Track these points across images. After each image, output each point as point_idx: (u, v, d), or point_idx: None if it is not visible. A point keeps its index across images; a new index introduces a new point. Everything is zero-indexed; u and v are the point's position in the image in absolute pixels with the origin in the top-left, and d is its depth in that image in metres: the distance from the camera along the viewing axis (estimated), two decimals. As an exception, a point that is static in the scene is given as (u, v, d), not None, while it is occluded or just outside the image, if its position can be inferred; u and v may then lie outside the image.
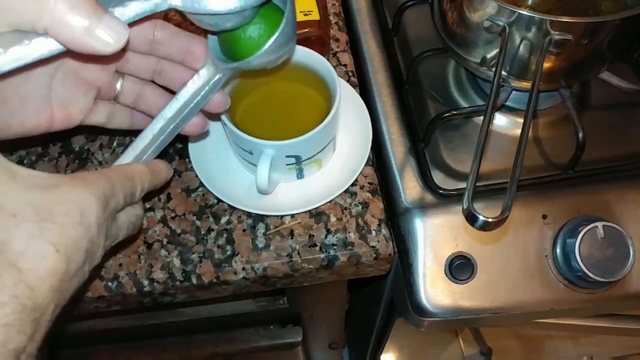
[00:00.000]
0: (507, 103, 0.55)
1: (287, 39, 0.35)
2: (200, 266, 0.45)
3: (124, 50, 0.29)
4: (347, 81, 0.54)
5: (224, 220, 0.47)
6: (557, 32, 0.44)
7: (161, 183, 0.37)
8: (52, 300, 0.26)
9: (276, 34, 0.33)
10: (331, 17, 0.59)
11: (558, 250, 0.49)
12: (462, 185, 0.51)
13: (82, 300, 0.45)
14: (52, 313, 0.26)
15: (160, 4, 0.31)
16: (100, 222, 0.29)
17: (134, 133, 0.39)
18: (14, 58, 0.27)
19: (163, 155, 0.39)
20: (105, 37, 0.27)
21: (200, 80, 0.37)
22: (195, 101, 0.37)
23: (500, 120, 0.56)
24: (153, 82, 0.39)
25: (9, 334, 0.24)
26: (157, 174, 0.36)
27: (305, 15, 0.51)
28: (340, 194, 0.48)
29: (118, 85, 0.38)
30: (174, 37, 0.36)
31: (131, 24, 0.30)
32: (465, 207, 0.37)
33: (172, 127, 0.37)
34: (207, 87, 0.37)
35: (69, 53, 0.29)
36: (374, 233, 0.47)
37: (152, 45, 0.36)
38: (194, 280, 0.45)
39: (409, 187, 0.52)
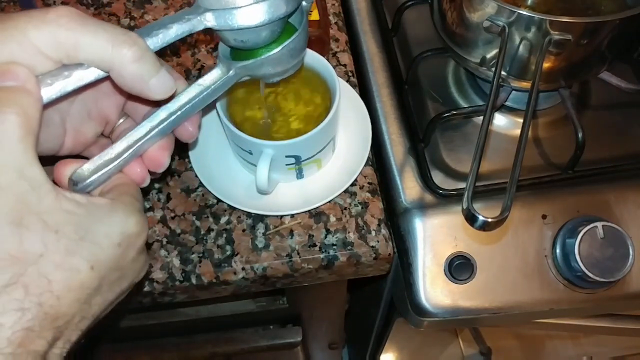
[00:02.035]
0: (507, 103, 0.55)
1: (298, 50, 0.36)
2: (200, 266, 0.45)
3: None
4: (347, 81, 0.54)
5: (223, 220, 0.47)
6: (556, 32, 0.44)
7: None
8: (77, 312, 0.28)
9: (288, 41, 0.35)
10: (331, 17, 0.59)
11: (558, 250, 0.49)
12: (462, 185, 0.51)
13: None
14: (77, 323, 0.28)
15: (197, 24, 0.33)
16: (138, 244, 0.31)
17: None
18: (59, 89, 0.30)
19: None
20: (157, 88, 0.31)
21: (210, 78, 0.36)
22: (204, 94, 0.36)
23: (500, 120, 0.56)
24: None
25: (29, 337, 0.25)
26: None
27: (304, 15, 0.51)
28: (340, 194, 0.48)
29: (118, 123, 0.39)
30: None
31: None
32: (464, 207, 0.37)
33: (175, 116, 0.35)
34: (217, 83, 0.36)
35: (107, 79, 0.31)
36: (373, 233, 0.47)
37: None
38: (194, 280, 0.45)
39: (409, 187, 0.52)
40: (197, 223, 0.47)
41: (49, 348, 0.27)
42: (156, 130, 0.34)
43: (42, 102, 0.28)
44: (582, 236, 0.47)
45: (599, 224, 0.47)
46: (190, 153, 0.48)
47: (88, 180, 0.32)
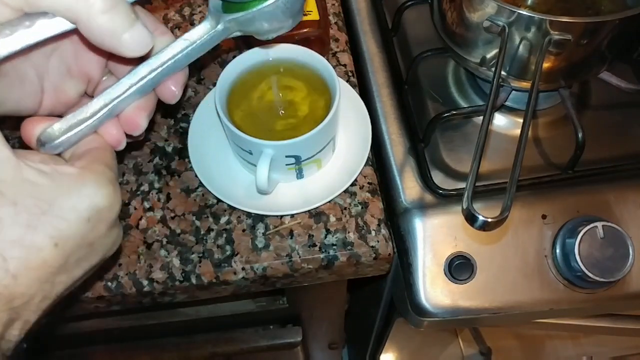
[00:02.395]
0: (507, 103, 0.55)
1: (294, 5, 0.33)
2: (200, 266, 0.45)
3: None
4: (347, 81, 0.54)
5: (223, 220, 0.47)
6: (556, 32, 0.44)
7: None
8: (38, 292, 0.25)
9: None
10: (331, 17, 0.59)
11: (557, 250, 0.49)
12: (462, 185, 0.51)
13: (81, 299, 0.45)
14: (38, 303, 0.26)
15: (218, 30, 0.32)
16: (110, 218, 0.28)
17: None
18: (19, 40, 0.27)
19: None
20: (130, 44, 0.28)
21: (196, 32, 0.34)
22: (189, 49, 0.33)
23: (500, 120, 0.56)
24: None
25: None
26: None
27: (304, 15, 0.51)
28: (340, 194, 0.48)
29: (102, 80, 0.36)
30: None
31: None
32: (464, 207, 0.37)
33: (155, 73, 0.33)
34: (204, 38, 0.34)
35: (76, 32, 0.28)
36: (373, 233, 0.47)
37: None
38: (194, 280, 0.45)
39: (409, 187, 0.52)
40: (197, 223, 0.47)
41: (4, 329, 0.25)
42: (135, 87, 0.32)
43: None
44: (582, 236, 0.47)
45: (599, 224, 0.47)
46: (190, 153, 0.48)
47: (57, 141, 0.30)
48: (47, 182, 0.26)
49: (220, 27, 0.33)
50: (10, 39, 0.26)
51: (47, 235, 0.25)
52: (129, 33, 0.27)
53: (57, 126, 0.30)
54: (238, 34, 0.34)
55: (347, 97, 0.51)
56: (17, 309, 0.25)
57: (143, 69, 0.32)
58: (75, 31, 0.28)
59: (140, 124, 0.32)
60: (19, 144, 0.41)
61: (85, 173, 0.27)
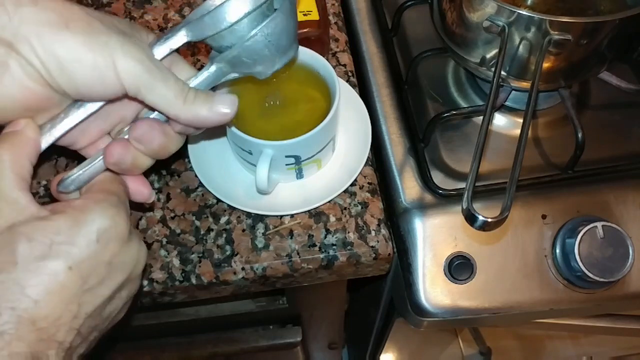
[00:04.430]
0: (507, 103, 0.55)
1: (277, 38, 0.34)
2: (200, 266, 0.45)
3: None
4: (347, 81, 0.54)
5: (223, 220, 0.47)
6: (556, 32, 0.44)
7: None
8: (65, 312, 0.29)
9: (260, 26, 0.33)
10: (330, 17, 0.59)
11: (557, 250, 0.49)
12: (462, 185, 0.51)
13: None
14: (68, 323, 0.29)
15: (174, 42, 0.34)
16: (118, 236, 0.31)
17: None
18: (73, 119, 0.33)
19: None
20: (209, 119, 0.34)
21: (197, 79, 0.35)
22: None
23: (500, 120, 0.56)
24: None
25: (5, 339, 0.26)
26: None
27: (304, 15, 0.51)
28: (340, 194, 0.48)
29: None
30: None
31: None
32: (464, 207, 0.37)
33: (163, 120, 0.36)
34: (202, 81, 0.35)
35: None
36: (373, 233, 0.47)
37: None
38: (194, 280, 0.45)
39: (409, 187, 0.52)
40: (197, 223, 0.47)
41: (37, 348, 0.27)
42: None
43: (35, 142, 0.31)
44: (581, 236, 0.47)
45: (599, 224, 0.47)
46: (190, 153, 0.48)
47: (68, 180, 0.33)
48: (59, 217, 0.30)
49: (213, 68, 0.35)
50: (66, 120, 0.32)
51: (61, 261, 0.28)
52: (207, 112, 0.33)
53: (72, 171, 0.34)
54: (235, 75, 0.36)
55: (347, 97, 0.51)
56: (45, 330, 0.28)
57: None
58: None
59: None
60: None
61: (88, 202, 0.31)
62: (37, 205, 0.30)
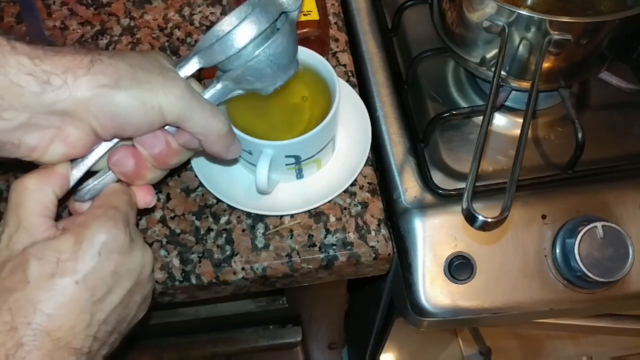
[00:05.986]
0: (507, 103, 0.55)
1: (280, 57, 0.36)
2: (200, 266, 0.45)
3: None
4: (347, 81, 0.54)
5: (223, 220, 0.47)
6: (556, 32, 0.44)
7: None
8: (78, 322, 0.31)
9: (263, 47, 0.35)
10: (330, 17, 0.59)
11: (557, 250, 0.49)
12: (462, 185, 0.51)
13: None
14: (83, 331, 0.31)
15: (188, 69, 0.37)
16: (117, 246, 0.33)
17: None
18: (100, 152, 0.35)
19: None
20: (232, 153, 0.39)
21: (207, 93, 0.38)
22: None
23: (500, 120, 0.56)
24: None
25: (25, 349, 0.29)
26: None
27: (304, 15, 0.51)
28: (340, 194, 0.48)
29: None
30: None
31: None
32: (464, 207, 0.37)
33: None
34: (209, 97, 0.37)
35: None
36: (373, 233, 0.47)
37: None
38: (194, 281, 0.45)
39: (409, 187, 0.52)
40: (197, 223, 0.47)
41: (59, 356, 0.30)
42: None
43: (64, 177, 0.34)
44: (581, 236, 0.47)
45: (599, 224, 0.47)
46: (190, 153, 0.48)
47: (84, 190, 0.36)
48: (64, 235, 0.32)
49: (219, 86, 0.37)
50: (96, 151, 0.35)
51: (68, 277, 0.31)
52: (233, 146, 0.38)
53: (87, 182, 0.36)
54: (240, 92, 0.38)
55: (347, 97, 0.51)
56: (61, 339, 0.30)
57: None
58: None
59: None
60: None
61: (88, 219, 0.33)
62: (47, 222, 0.33)
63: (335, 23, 0.60)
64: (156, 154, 0.36)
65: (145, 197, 0.38)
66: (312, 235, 0.46)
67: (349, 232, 0.47)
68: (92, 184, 0.36)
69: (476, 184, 0.40)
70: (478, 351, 0.84)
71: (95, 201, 0.35)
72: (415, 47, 0.60)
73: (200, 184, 0.48)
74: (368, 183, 0.49)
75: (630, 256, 0.47)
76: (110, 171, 0.36)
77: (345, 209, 0.48)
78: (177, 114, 0.34)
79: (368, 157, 0.49)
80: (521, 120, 0.43)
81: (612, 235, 0.47)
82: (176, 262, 0.46)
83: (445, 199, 0.50)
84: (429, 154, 0.53)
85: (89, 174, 0.36)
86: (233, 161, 0.48)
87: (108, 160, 0.35)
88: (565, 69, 0.49)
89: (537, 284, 0.49)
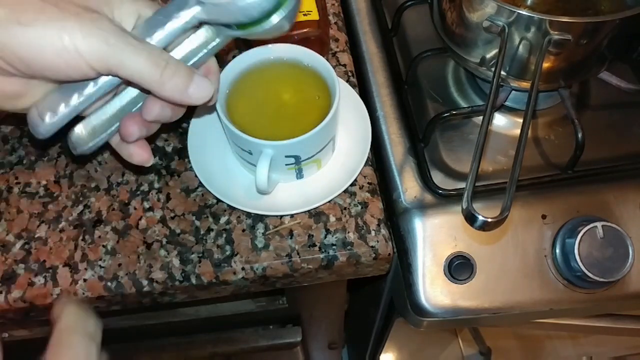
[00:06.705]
0: (507, 103, 0.55)
1: (296, 13, 0.35)
2: (200, 266, 0.45)
3: None
4: (347, 81, 0.54)
5: (223, 220, 0.47)
6: (556, 32, 0.44)
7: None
8: None
9: (289, 9, 0.34)
10: (330, 17, 0.59)
11: (557, 250, 0.49)
12: (462, 185, 0.51)
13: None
14: None
15: (190, 20, 0.34)
16: None
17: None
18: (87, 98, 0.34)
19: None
20: (195, 95, 0.34)
21: (196, 41, 0.36)
22: (190, 63, 0.36)
23: (500, 120, 0.56)
24: None
25: None
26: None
27: (304, 15, 0.51)
28: (340, 194, 0.48)
29: None
30: None
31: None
32: (464, 207, 0.37)
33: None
34: (204, 51, 0.36)
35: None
36: (373, 233, 0.47)
37: None
38: (194, 280, 0.45)
39: (409, 187, 0.52)
40: (197, 223, 0.47)
41: None
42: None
43: None
44: (581, 236, 0.47)
45: (599, 224, 0.47)
46: (190, 153, 0.48)
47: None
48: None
49: (219, 40, 0.36)
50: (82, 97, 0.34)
51: None
52: (192, 87, 0.33)
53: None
54: (218, 40, 0.37)
55: (347, 97, 0.51)
56: None
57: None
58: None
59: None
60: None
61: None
62: None
63: (335, 23, 0.60)
64: (146, 134, 0.35)
65: (140, 152, 0.36)
66: (312, 235, 0.46)
67: (349, 232, 0.47)
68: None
69: (476, 184, 0.40)
70: (478, 351, 0.84)
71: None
72: (415, 47, 0.60)
73: (200, 184, 0.48)
74: (368, 183, 0.49)
75: (630, 256, 0.47)
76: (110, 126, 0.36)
77: (345, 209, 0.48)
78: (103, 59, 0.30)
79: (368, 157, 0.49)
80: (521, 120, 0.43)
81: (612, 235, 0.47)
82: (176, 262, 0.46)
83: (445, 199, 0.50)
84: (429, 154, 0.53)
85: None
86: (233, 161, 0.48)
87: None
88: (565, 69, 0.49)
89: (537, 284, 0.50)
